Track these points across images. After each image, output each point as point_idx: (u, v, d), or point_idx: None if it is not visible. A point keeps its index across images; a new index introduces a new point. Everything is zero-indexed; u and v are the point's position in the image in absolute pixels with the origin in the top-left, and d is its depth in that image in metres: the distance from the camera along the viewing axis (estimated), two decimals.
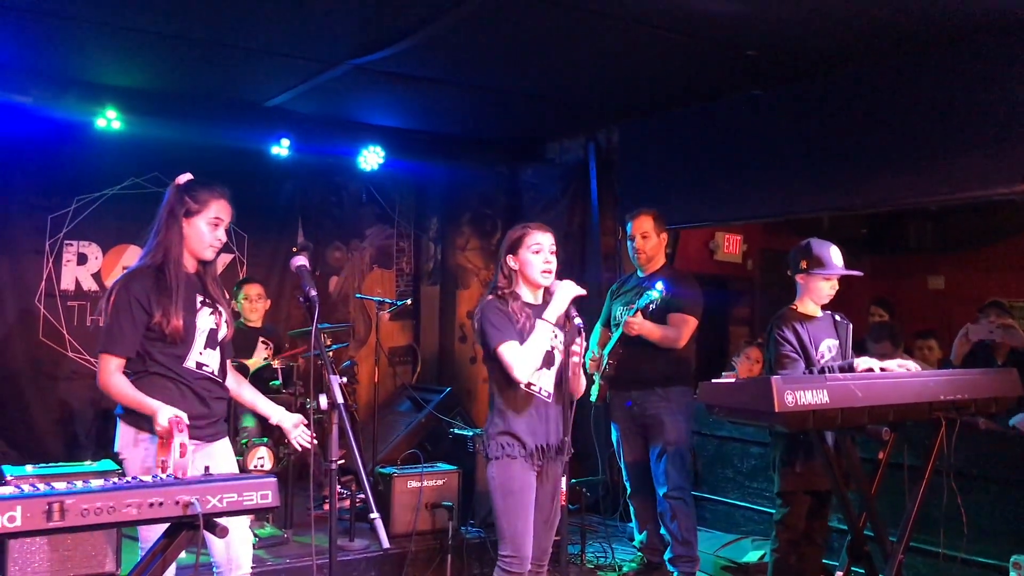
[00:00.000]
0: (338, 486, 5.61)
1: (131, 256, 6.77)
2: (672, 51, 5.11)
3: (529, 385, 3.51)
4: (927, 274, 8.84)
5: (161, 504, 2.21)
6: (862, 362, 3.86)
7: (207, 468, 2.55)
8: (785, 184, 5.74)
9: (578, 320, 3.47)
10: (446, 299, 8.27)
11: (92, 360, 6.60)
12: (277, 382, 5.54)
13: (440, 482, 5.41)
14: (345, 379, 3.04)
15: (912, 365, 3.89)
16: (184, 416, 2.97)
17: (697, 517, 5.02)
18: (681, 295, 4.71)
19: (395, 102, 6.54)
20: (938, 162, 4.85)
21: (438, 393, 7.20)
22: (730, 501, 5.90)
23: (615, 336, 4.79)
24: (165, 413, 2.98)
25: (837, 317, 4.30)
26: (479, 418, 7.55)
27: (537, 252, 3.54)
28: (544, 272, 3.53)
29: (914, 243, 8.68)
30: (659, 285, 4.50)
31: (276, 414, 3.52)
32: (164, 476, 2.41)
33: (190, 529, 2.30)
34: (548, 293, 3.59)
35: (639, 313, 4.61)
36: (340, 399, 2.90)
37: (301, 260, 3.26)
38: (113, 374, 3.11)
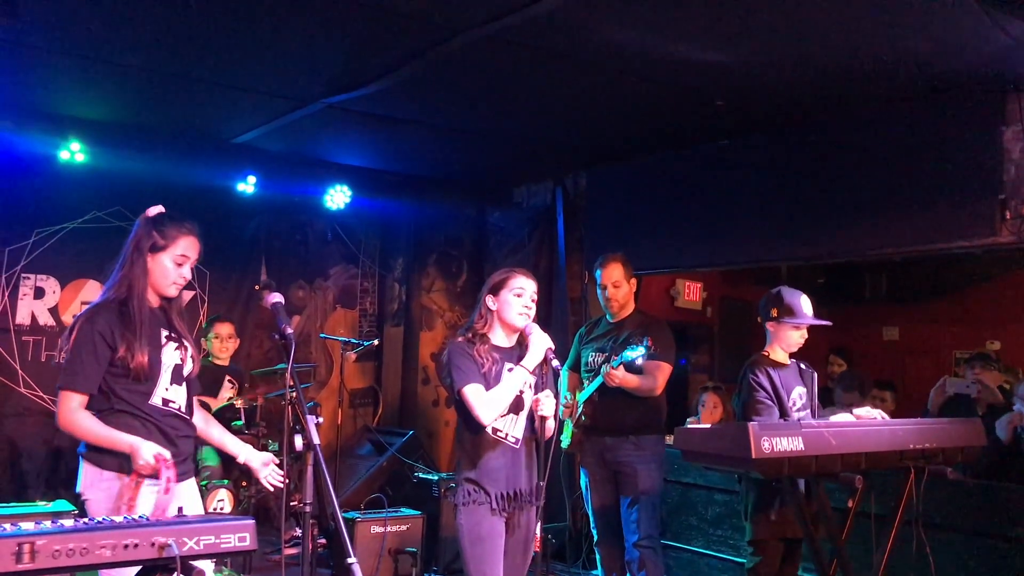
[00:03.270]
0: (298, 530, 5.51)
1: (90, 291, 6.64)
2: (641, 99, 5.19)
3: (496, 431, 3.48)
4: (882, 325, 8.99)
5: (136, 546, 2.13)
6: (838, 419, 3.90)
7: (180, 509, 2.47)
8: (750, 233, 5.82)
9: (556, 363, 3.47)
10: (409, 340, 8.21)
11: (46, 397, 6.43)
12: (240, 422, 5.44)
13: (404, 527, 5.33)
14: (320, 419, 2.98)
15: (881, 413, 3.95)
16: (167, 452, 2.90)
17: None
18: (657, 342, 4.70)
19: (364, 141, 6.54)
20: (902, 215, 4.96)
21: (400, 436, 7.12)
22: (694, 549, 5.86)
23: (592, 386, 4.75)
24: (148, 449, 2.90)
25: (802, 366, 4.35)
26: (442, 462, 7.47)
27: (519, 296, 3.53)
28: (521, 314, 3.53)
29: (870, 294, 8.83)
30: (649, 341, 4.50)
31: (243, 452, 3.43)
32: (137, 517, 2.33)
33: (164, 572, 2.22)
34: (523, 337, 3.58)
35: (622, 366, 4.59)
36: (317, 440, 2.83)
37: (276, 297, 3.21)
38: (76, 411, 3.00)
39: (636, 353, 4.49)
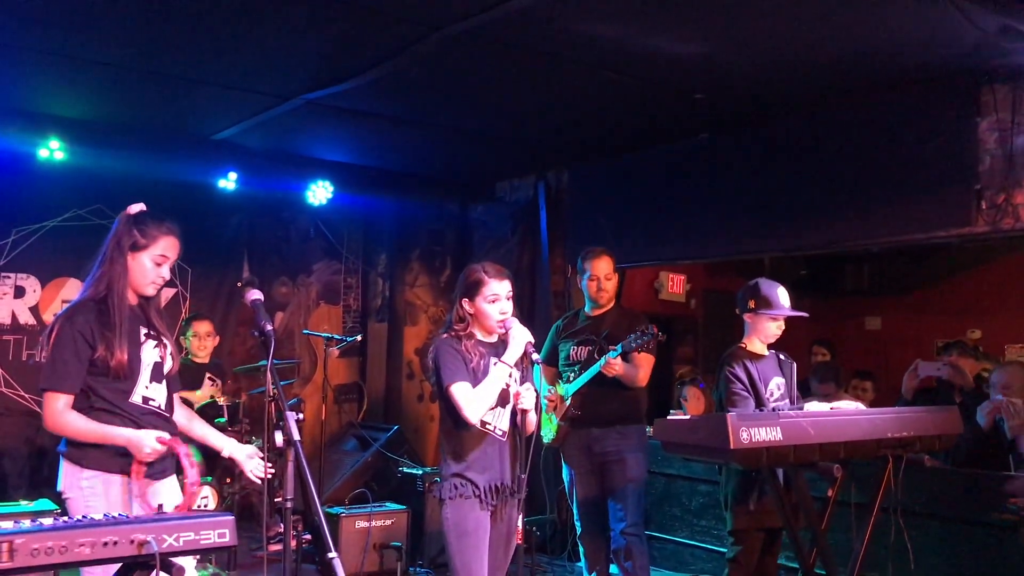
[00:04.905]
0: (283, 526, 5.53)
1: (70, 289, 6.61)
2: (622, 94, 5.21)
3: (484, 424, 3.49)
4: (864, 316, 9.05)
5: (115, 543, 2.14)
6: (811, 407, 3.94)
7: (160, 506, 2.48)
8: (731, 226, 5.86)
9: (536, 356, 3.48)
10: (394, 336, 8.22)
11: (27, 396, 6.40)
12: (222, 419, 5.44)
13: (389, 522, 5.35)
14: (301, 416, 2.99)
15: (860, 405, 3.99)
16: (165, 433, 2.96)
17: None
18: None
19: (346, 137, 6.53)
20: (880, 206, 5.01)
21: (385, 431, 7.13)
22: (678, 540, 5.91)
23: (584, 377, 4.77)
24: (149, 437, 2.96)
25: (782, 356, 4.39)
26: (427, 456, 7.48)
27: (494, 302, 3.51)
28: (499, 322, 3.53)
29: (851, 285, 8.88)
30: (654, 328, 4.54)
31: (227, 446, 3.42)
32: (117, 514, 2.34)
33: (144, 569, 2.23)
34: (504, 332, 3.58)
35: (620, 356, 4.63)
36: (297, 436, 2.84)
37: (256, 294, 3.19)
38: (64, 412, 3.00)
39: (641, 340, 4.52)
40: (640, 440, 4.81)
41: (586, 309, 5.06)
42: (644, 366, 4.78)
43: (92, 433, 3.01)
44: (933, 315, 8.29)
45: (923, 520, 4.39)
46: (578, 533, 5.07)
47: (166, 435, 2.97)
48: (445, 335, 3.58)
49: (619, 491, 4.76)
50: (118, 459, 3.05)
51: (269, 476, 3.32)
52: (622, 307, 5.13)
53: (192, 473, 2.93)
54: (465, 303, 3.55)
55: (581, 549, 5.09)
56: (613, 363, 4.62)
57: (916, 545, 3.86)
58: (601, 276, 4.94)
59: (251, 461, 3.35)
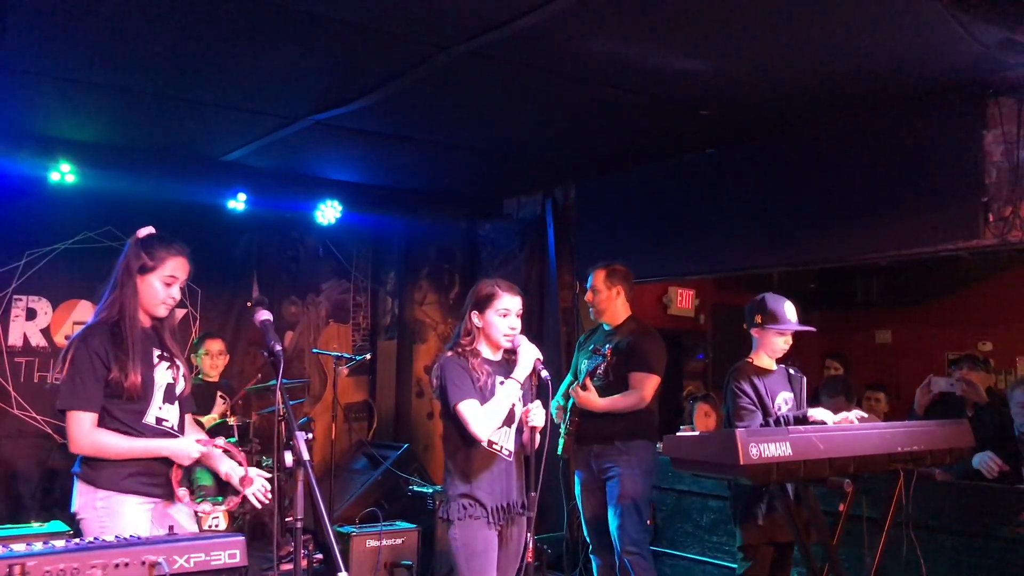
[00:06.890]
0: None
1: (82, 311, 6.65)
2: (628, 111, 5.23)
3: (491, 444, 3.49)
4: (874, 328, 9.03)
5: (127, 565, 2.15)
6: (816, 413, 3.94)
7: (171, 527, 2.49)
8: (739, 240, 5.86)
9: (545, 373, 3.48)
10: (403, 354, 8.23)
11: (39, 418, 6.44)
12: (233, 439, 5.44)
13: (399, 541, 5.34)
14: (311, 435, 3.00)
15: (859, 415, 3.98)
16: (202, 435, 3.03)
17: (658, 573, 4.97)
18: (643, 352, 4.71)
19: (354, 157, 6.57)
20: (888, 220, 5.01)
21: (395, 449, 7.13)
22: (690, 556, 5.87)
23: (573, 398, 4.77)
24: (188, 443, 3.08)
25: (791, 371, 4.38)
26: (437, 475, 7.48)
27: (504, 316, 3.53)
28: (507, 336, 3.54)
29: (861, 298, 8.87)
30: (607, 351, 4.51)
31: (225, 467, 3.43)
32: (128, 535, 2.36)
33: None
34: (511, 351, 3.58)
35: (587, 379, 4.60)
36: (307, 456, 2.85)
37: (265, 315, 3.21)
38: (93, 431, 3.03)
39: (593, 365, 4.52)
40: (641, 457, 4.70)
41: (603, 324, 5.03)
42: (643, 387, 4.66)
43: (130, 449, 3.05)
44: (944, 327, 8.26)
45: (935, 534, 4.36)
46: (589, 549, 5.05)
47: (203, 436, 3.01)
48: (450, 352, 3.58)
49: (615, 510, 4.69)
50: (132, 479, 3.08)
51: (267, 500, 3.33)
52: (636, 321, 4.99)
53: (239, 463, 3.14)
54: (474, 316, 3.56)
55: (593, 565, 5.08)
56: (574, 391, 4.59)
57: (928, 559, 3.83)
58: (589, 290, 4.93)
59: (251, 485, 3.37)
